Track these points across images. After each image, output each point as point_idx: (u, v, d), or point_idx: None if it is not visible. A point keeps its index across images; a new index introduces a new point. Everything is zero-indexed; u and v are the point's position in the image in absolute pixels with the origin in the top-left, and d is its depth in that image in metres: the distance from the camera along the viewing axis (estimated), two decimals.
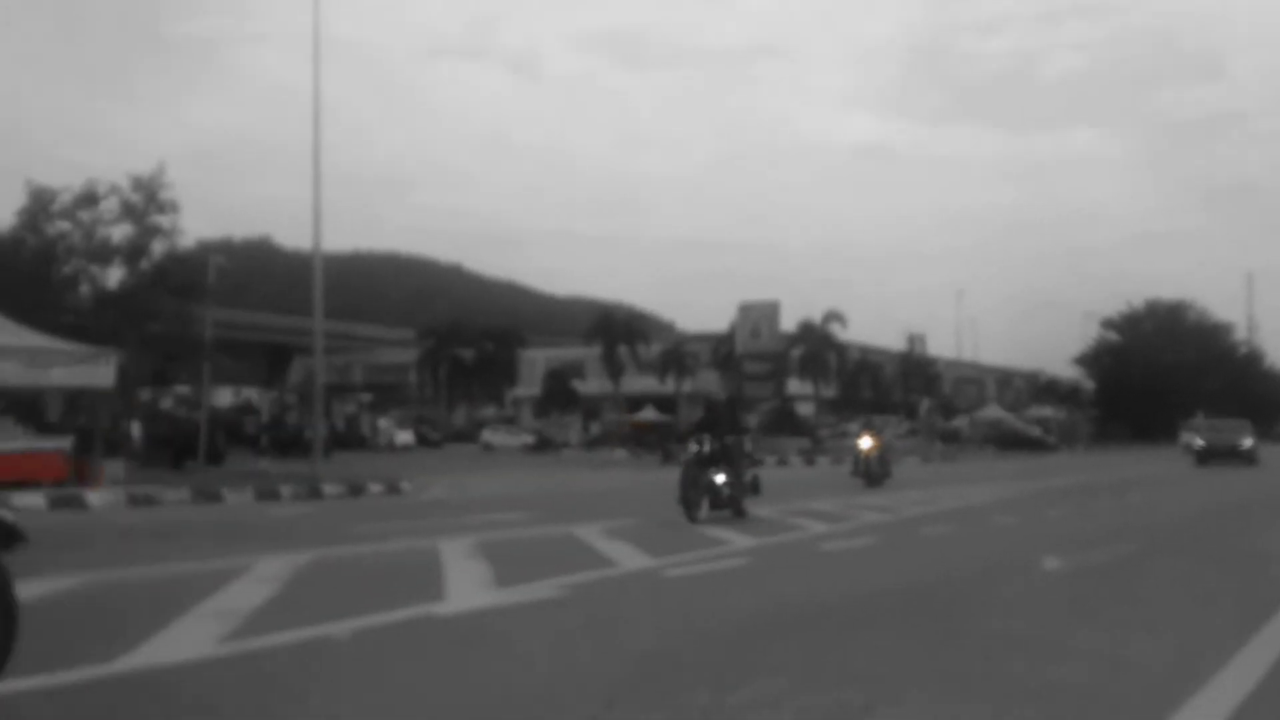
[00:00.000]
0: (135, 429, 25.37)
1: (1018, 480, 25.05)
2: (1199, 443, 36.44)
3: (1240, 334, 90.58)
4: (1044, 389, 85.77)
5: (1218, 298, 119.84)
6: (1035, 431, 61.55)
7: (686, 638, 5.95)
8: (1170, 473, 29.40)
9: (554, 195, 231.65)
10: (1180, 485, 23.74)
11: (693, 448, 13.87)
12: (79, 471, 17.78)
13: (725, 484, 13.72)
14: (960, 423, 64.22)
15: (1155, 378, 73.32)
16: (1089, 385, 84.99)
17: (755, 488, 14.51)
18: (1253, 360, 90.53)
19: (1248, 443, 35.65)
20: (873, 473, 22.76)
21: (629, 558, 9.41)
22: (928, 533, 12.42)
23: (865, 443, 23.68)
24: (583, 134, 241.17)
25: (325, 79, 27.43)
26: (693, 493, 13.23)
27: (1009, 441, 57.62)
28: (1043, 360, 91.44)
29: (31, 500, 15.09)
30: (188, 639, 5.62)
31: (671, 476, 14.88)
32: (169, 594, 6.96)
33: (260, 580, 7.70)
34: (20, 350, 17.67)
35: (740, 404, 20.72)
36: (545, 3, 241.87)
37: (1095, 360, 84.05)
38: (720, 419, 14.63)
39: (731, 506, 13.74)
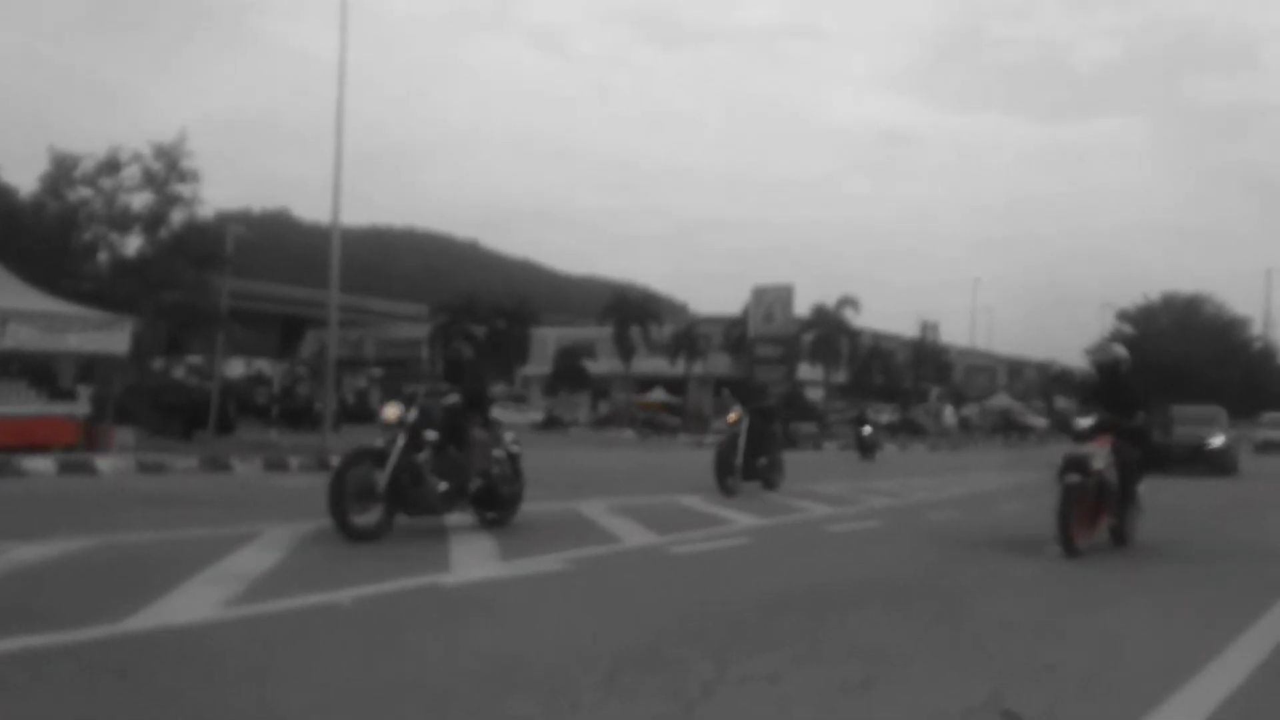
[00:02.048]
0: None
1: (1024, 469, 25.01)
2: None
3: (1257, 329, 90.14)
4: (1055, 379, 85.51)
5: (1237, 292, 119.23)
6: (1042, 421, 61.39)
7: (689, 613, 5.98)
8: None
9: (574, 173, 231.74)
10: (1184, 476, 23.67)
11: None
12: (90, 437, 17.89)
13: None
14: (969, 411, 64.10)
15: (1167, 370, 73.08)
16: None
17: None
18: (1267, 355, 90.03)
19: (1217, 440, 25.01)
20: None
21: (634, 534, 9.45)
22: (933, 517, 12.43)
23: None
24: (605, 112, 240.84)
25: (350, 49, 27.30)
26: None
27: (1016, 430, 57.57)
28: (1058, 351, 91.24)
29: (42, 465, 15.21)
30: (194, 602, 5.68)
31: (678, 457, 14.93)
32: (176, 559, 7.02)
33: (266, 547, 7.76)
34: (37, 315, 17.76)
35: (758, 388, 20.44)
36: None
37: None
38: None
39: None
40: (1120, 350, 10.55)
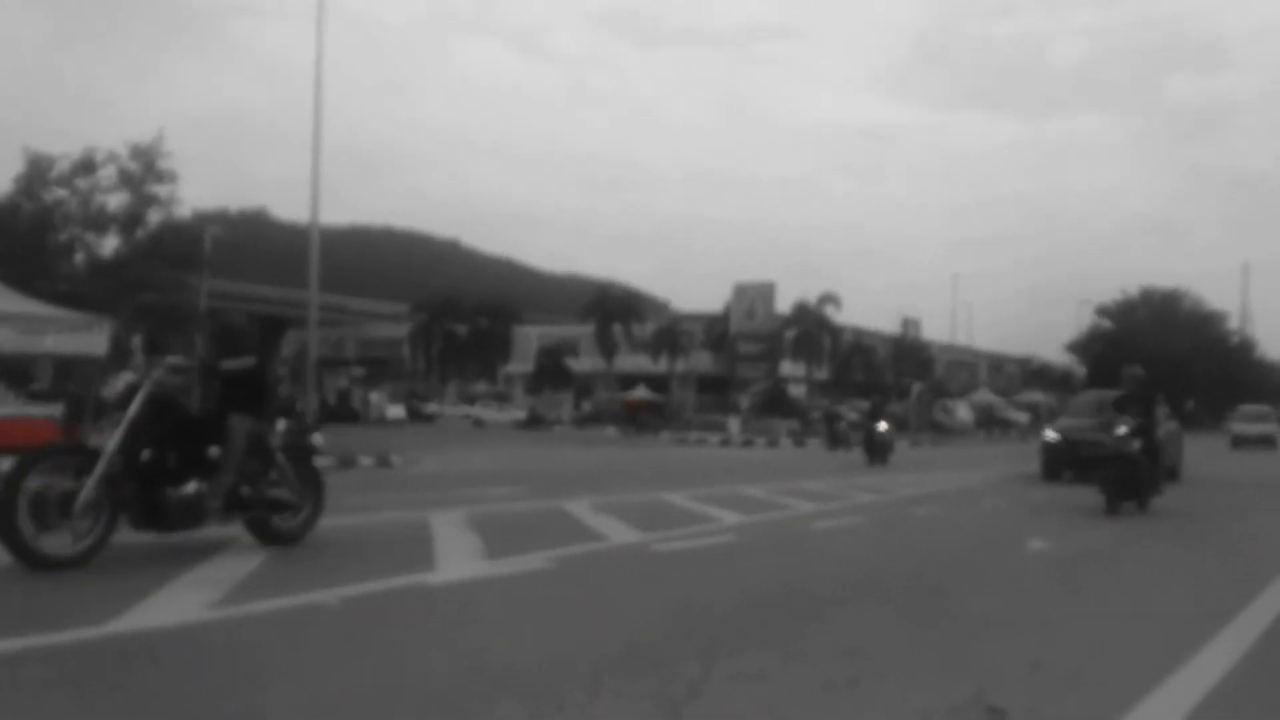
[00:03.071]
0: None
1: (1008, 463, 25.14)
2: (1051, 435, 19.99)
3: (1233, 323, 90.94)
4: (1035, 374, 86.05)
5: (1214, 287, 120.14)
6: (1024, 416, 61.76)
7: (674, 611, 5.98)
8: None
9: (555, 172, 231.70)
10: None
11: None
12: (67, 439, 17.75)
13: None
14: (952, 407, 64.41)
15: (1146, 365, 73.50)
16: (1080, 372, 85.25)
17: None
18: (1244, 350, 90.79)
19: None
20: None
21: (618, 532, 9.44)
22: (918, 513, 12.48)
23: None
24: (587, 111, 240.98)
25: (328, 49, 27.21)
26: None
27: (998, 425, 57.87)
28: (1037, 346, 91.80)
29: None
30: (176, 605, 5.63)
31: (662, 454, 14.86)
32: (156, 561, 6.97)
33: (248, 549, 7.70)
34: (14, 317, 17.63)
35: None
36: None
37: (1087, 347, 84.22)
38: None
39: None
40: (1140, 372, 13.89)
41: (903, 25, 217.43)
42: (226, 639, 5.02)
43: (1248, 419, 42.01)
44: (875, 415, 26.23)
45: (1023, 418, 62.33)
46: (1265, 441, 38.59)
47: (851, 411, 56.91)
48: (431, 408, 60.87)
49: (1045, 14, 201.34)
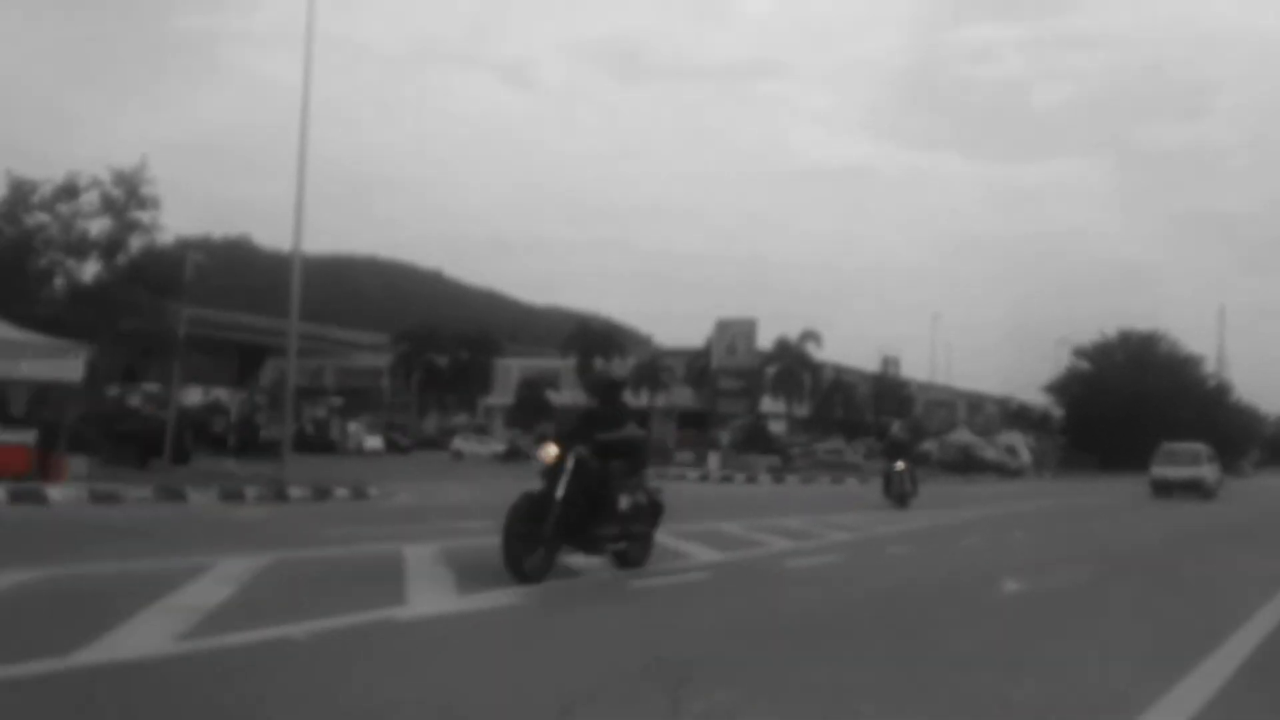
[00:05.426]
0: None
1: (983, 504, 25.21)
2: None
3: (1210, 366, 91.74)
4: (1014, 415, 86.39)
5: (1191, 330, 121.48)
6: (1002, 457, 61.89)
7: (646, 648, 5.96)
8: (1132, 502, 29.64)
9: (539, 205, 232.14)
10: (1138, 513, 23.99)
11: None
12: (42, 466, 17.60)
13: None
14: (929, 446, 64.53)
15: (1124, 407, 73.95)
16: (1059, 413, 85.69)
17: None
18: (1221, 393, 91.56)
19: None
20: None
21: (593, 568, 9.41)
22: (893, 552, 12.49)
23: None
24: (571, 144, 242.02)
25: (315, 78, 27.30)
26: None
27: (975, 466, 57.97)
28: (1015, 386, 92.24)
29: None
30: (145, 636, 5.59)
31: None
32: (127, 591, 6.91)
33: (220, 580, 7.65)
34: None
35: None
36: (542, 12, 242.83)
37: (1065, 388, 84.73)
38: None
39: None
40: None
41: (885, 65, 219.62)
42: (193, 673, 4.98)
43: (1172, 460, 33.43)
44: (894, 453, 22.28)
45: (1001, 457, 62.37)
46: (1192, 487, 31.43)
47: (847, 452, 57.00)
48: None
49: (1027, 58, 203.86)
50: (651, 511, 9.77)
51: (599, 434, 9.29)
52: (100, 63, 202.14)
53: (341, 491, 19.91)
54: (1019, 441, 67.96)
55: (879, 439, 60.56)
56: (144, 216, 25.86)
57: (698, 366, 62.49)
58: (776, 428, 63.54)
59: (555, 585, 8.29)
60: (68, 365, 18.51)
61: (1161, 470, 32.86)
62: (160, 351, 27.80)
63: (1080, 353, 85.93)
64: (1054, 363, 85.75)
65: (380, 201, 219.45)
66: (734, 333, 56.84)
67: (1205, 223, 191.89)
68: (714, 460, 47.88)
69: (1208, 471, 32.92)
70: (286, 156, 22.10)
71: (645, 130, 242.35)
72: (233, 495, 17.78)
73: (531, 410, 68.21)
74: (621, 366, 15.33)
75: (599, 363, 65.53)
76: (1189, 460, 33.24)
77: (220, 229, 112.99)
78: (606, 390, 10.85)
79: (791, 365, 64.89)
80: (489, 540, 9.99)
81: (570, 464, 8.75)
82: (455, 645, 5.95)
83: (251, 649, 5.48)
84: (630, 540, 9.42)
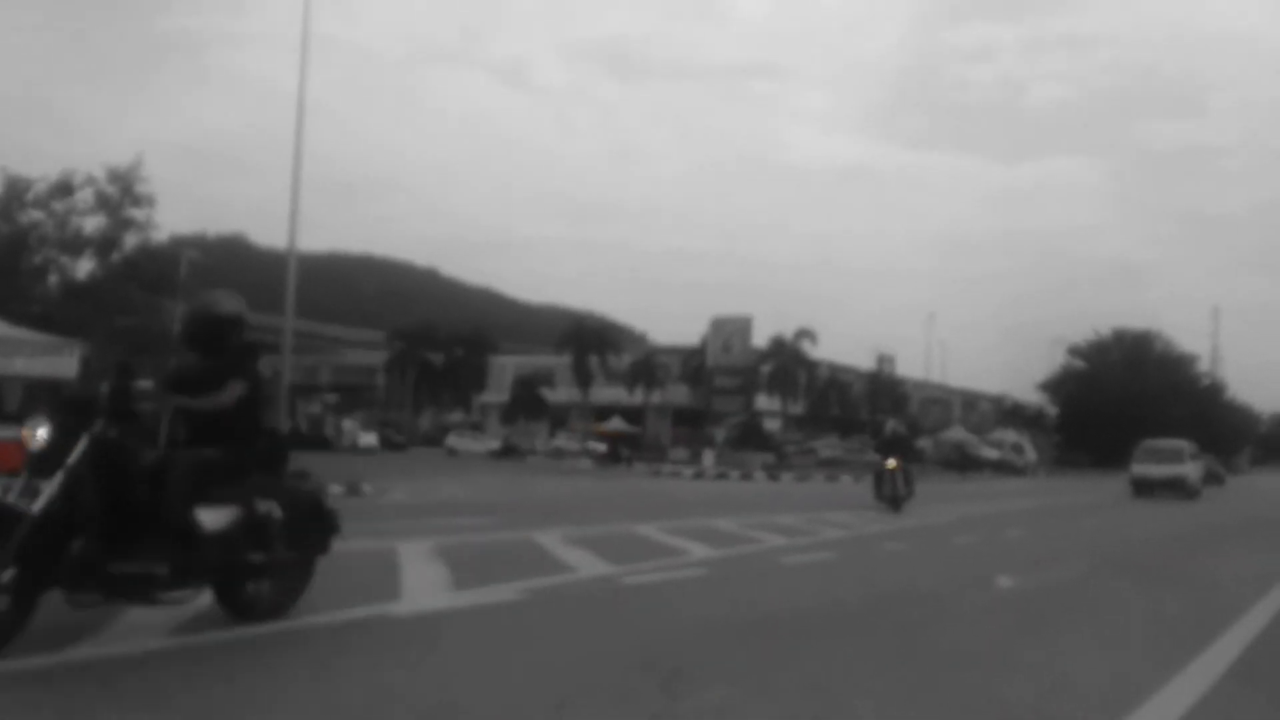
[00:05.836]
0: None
1: (978, 501, 25.25)
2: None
3: (1204, 365, 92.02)
4: (1009, 413, 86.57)
5: (1184, 328, 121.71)
6: (1007, 455, 62.02)
7: (640, 644, 5.96)
8: (1124, 499, 29.69)
9: (535, 203, 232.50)
10: (1129, 511, 24.05)
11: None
12: None
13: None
14: (924, 444, 64.66)
15: (1118, 405, 74.12)
16: (1053, 411, 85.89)
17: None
18: (1215, 392, 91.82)
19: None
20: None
21: (588, 564, 9.41)
22: (887, 549, 12.50)
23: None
24: (568, 144, 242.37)
25: (311, 79, 27.30)
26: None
27: (973, 464, 58.08)
28: (1010, 384, 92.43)
29: None
30: (136, 630, 5.58)
31: (635, 486, 14.80)
32: None
33: None
34: None
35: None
36: (539, 14, 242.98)
37: (1060, 386, 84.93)
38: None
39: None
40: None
41: (883, 66, 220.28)
42: (185, 668, 4.97)
43: (1153, 457, 32.56)
44: (886, 449, 20.46)
45: (995, 454, 62.51)
46: (1174, 486, 30.75)
47: (829, 447, 57.00)
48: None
49: (1023, 58, 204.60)
50: (299, 529, 6.15)
51: (179, 401, 5.98)
52: (95, 62, 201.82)
53: (336, 488, 19.89)
54: (1024, 439, 68.03)
55: (873, 436, 60.73)
56: (139, 214, 25.94)
57: (693, 364, 62.56)
58: (771, 425, 63.63)
59: (549, 582, 8.27)
60: (62, 362, 18.49)
61: (1142, 468, 32.05)
62: (154, 348, 27.83)
63: (1075, 351, 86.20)
64: (1049, 361, 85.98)
65: (376, 200, 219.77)
66: (729, 331, 56.91)
67: (1200, 222, 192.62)
68: (709, 457, 47.97)
69: (1190, 470, 32.04)
70: (283, 155, 22.16)
71: (641, 130, 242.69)
72: None
73: (526, 408, 68.25)
74: (230, 299, 6.43)
75: (594, 360, 65.50)
76: (1171, 458, 32.31)
77: (215, 227, 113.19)
78: (207, 333, 6.37)
79: (787, 363, 64.97)
80: (484, 536, 10.04)
81: (78, 453, 5.24)
82: (450, 641, 5.94)
83: (243, 644, 5.47)
84: (250, 575, 5.88)
